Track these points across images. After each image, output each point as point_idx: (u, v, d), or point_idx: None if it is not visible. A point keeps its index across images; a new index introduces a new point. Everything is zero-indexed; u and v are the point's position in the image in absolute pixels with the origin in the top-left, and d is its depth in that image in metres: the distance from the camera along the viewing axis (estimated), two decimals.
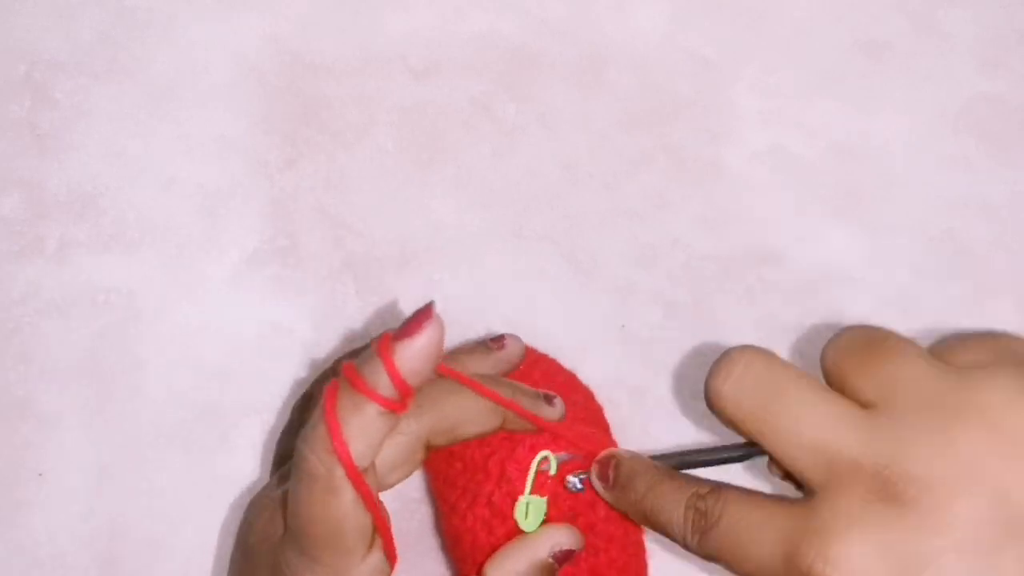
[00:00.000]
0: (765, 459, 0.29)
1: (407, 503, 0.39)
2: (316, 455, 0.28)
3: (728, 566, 0.27)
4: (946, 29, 0.47)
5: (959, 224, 0.44)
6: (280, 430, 0.40)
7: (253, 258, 0.42)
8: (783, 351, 0.41)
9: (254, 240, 0.43)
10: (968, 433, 0.24)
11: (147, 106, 0.45)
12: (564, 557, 0.31)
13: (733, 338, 0.42)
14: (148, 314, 0.41)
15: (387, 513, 0.30)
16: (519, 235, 0.43)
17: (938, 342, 0.28)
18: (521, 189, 0.44)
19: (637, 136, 0.45)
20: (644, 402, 0.41)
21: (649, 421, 0.40)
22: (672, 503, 0.29)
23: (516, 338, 0.37)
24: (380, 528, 0.29)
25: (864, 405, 0.26)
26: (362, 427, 0.28)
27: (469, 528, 0.33)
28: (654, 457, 0.32)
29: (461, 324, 0.41)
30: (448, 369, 0.32)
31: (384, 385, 0.28)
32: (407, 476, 0.32)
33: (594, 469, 0.32)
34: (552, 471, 0.32)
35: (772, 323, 0.42)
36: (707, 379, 0.28)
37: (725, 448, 0.31)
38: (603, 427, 0.37)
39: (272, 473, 0.36)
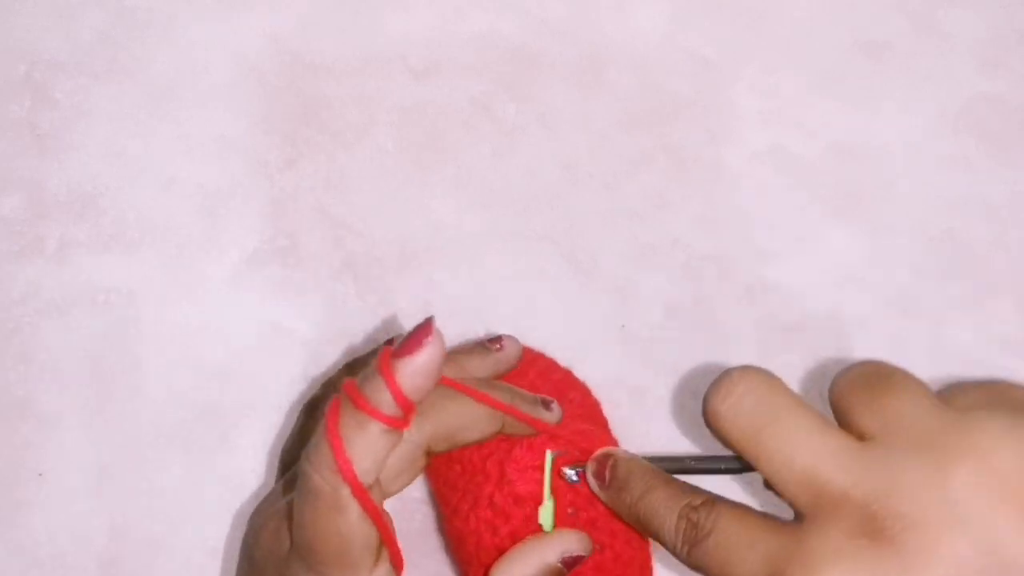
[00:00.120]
0: (759, 475, 0.29)
1: (408, 503, 0.39)
2: (320, 474, 0.28)
3: None
4: (946, 29, 0.47)
5: (959, 224, 0.44)
6: (281, 430, 0.40)
7: (253, 258, 0.42)
8: (783, 351, 0.42)
9: (254, 240, 0.43)
10: (959, 474, 0.24)
11: (147, 106, 0.45)
12: (573, 562, 0.31)
13: (733, 338, 0.42)
14: (148, 314, 0.41)
15: (392, 523, 0.30)
16: (519, 235, 0.43)
17: (944, 388, 0.28)
18: (521, 189, 0.44)
19: (637, 136, 0.45)
20: (644, 402, 0.41)
21: (649, 421, 0.40)
22: (665, 510, 0.29)
23: (514, 339, 0.37)
24: (386, 540, 0.29)
25: (863, 438, 0.26)
26: (366, 445, 0.28)
27: (472, 530, 0.33)
28: (650, 458, 0.32)
29: (461, 324, 0.41)
30: (450, 380, 0.32)
31: (387, 403, 0.28)
32: (410, 483, 0.32)
33: (591, 467, 0.32)
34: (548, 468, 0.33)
35: (772, 323, 0.42)
36: (706, 396, 0.29)
37: (722, 459, 0.31)
38: (600, 423, 0.38)
39: (277, 479, 0.36)
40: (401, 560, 0.30)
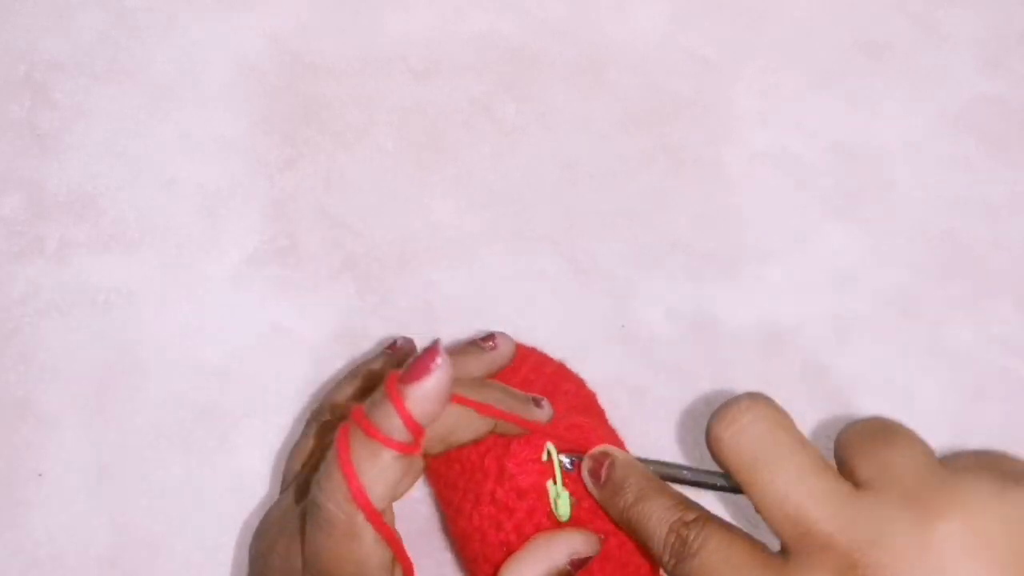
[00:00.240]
0: None
1: (408, 503, 0.39)
2: (335, 503, 0.28)
3: None
4: (946, 29, 0.47)
5: (959, 224, 0.44)
6: (281, 430, 0.40)
7: (253, 258, 0.42)
8: (782, 351, 0.42)
9: (254, 240, 0.43)
10: (943, 530, 0.25)
11: (147, 106, 0.45)
12: (580, 563, 0.31)
13: (733, 338, 0.42)
14: (148, 314, 0.41)
15: (400, 538, 0.30)
16: (519, 235, 0.43)
17: (945, 455, 0.29)
18: (521, 189, 0.44)
19: (637, 136, 0.45)
20: (644, 402, 0.41)
21: (649, 421, 0.40)
22: (657, 521, 0.29)
23: (506, 336, 0.37)
24: (400, 558, 0.30)
25: (858, 484, 0.27)
26: (379, 473, 0.28)
27: (477, 527, 0.33)
28: (647, 462, 0.32)
29: (461, 324, 0.41)
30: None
31: (397, 429, 0.28)
32: (411, 487, 0.32)
33: (587, 463, 0.32)
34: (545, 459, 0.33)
35: (772, 324, 0.42)
36: (711, 421, 0.29)
37: (719, 475, 0.31)
38: (596, 413, 0.38)
39: (282, 489, 0.36)
40: (412, 572, 0.30)
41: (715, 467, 0.30)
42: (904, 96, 0.46)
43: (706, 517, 0.29)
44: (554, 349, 0.39)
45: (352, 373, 0.38)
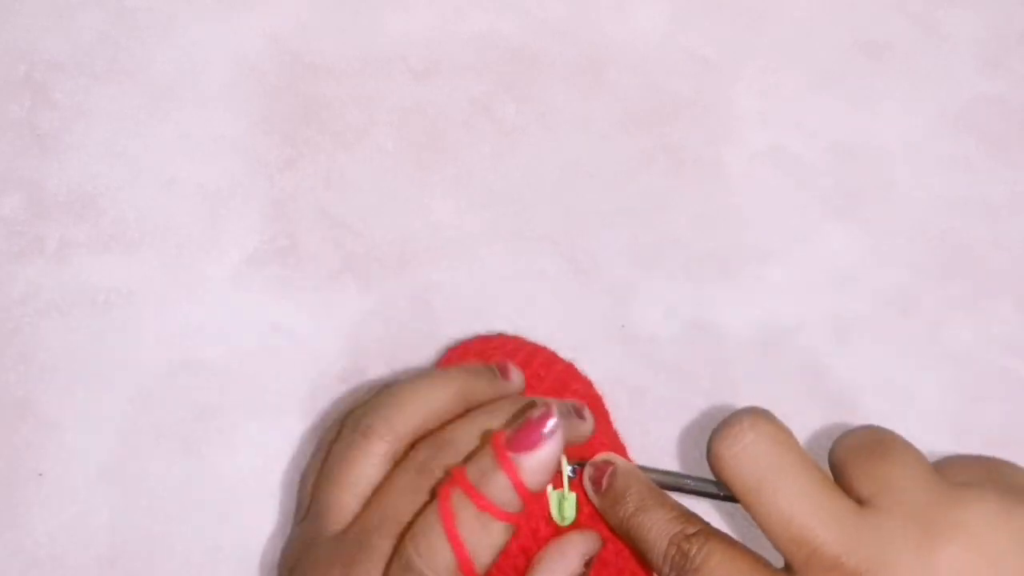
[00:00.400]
0: None
1: None
2: (435, 572, 0.27)
3: None
4: (946, 29, 0.47)
5: (959, 224, 0.44)
6: (280, 430, 0.40)
7: (253, 258, 0.42)
8: (782, 351, 0.42)
9: (254, 240, 0.43)
10: (948, 551, 0.25)
11: (147, 106, 0.45)
12: (589, 562, 0.31)
13: (733, 337, 0.42)
14: (148, 314, 0.41)
15: None
16: (519, 235, 0.43)
17: (940, 461, 0.29)
18: (521, 189, 0.44)
19: (637, 136, 0.45)
20: (644, 402, 0.41)
21: (649, 421, 0.40)
22: (658, 533, 0.29)
23: (519, 371, 0.36)
24: None
25: (860, 501, 0.27)
26: (489, 544, 0.28)
27: None
28: (649, 471, 0.32)
29: (461, 324, 0.41)
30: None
31: (511, 503, 0.28)
32: None
33: (588, 471, 0.32)
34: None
35: (772, 323, 0.42)
36: (712, 437, 0.29)
37: (720, 485, 0.31)
38: (602, 415, 0.37)
39: (297, 512, 0.34)
40: None
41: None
42: (904, 96, 0.46)
43: (708, 531, 0.28)
44: (554, 349, 0.39)
45: (376, 393, 0.37)
